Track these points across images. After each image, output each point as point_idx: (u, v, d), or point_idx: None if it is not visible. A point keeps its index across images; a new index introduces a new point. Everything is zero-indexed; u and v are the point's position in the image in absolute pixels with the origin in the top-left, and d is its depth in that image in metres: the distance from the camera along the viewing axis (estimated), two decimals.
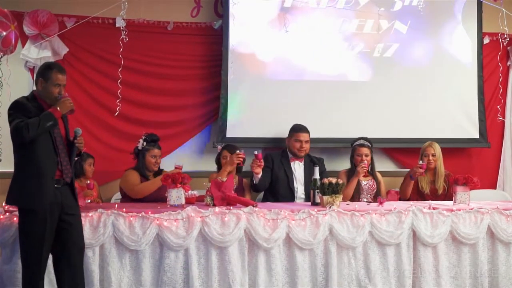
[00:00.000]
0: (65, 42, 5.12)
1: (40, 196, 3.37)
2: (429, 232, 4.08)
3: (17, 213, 3.65)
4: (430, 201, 4.52)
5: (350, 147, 5.15)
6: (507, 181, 5.97)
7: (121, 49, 4.75)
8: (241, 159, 4.67)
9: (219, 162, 4.89)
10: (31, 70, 5.06)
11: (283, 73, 5.50)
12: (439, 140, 5.16)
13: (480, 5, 5.74)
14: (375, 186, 5.01)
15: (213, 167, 5.01)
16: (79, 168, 4.61)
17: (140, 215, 3.79)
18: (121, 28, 4.70)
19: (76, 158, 3.67)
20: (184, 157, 5.29)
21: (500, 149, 6.05)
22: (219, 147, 5.03)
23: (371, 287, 4.01)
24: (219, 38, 5.41)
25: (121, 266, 3.78)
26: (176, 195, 4.01)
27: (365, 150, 4.99)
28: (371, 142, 5.09)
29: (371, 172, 5.06)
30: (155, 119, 5.36)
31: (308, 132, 5.04)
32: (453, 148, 5.72)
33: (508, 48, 5.91)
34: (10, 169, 3.78)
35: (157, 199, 4.33)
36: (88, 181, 4.63)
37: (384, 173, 5.37)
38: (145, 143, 4.56)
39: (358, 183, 4.94)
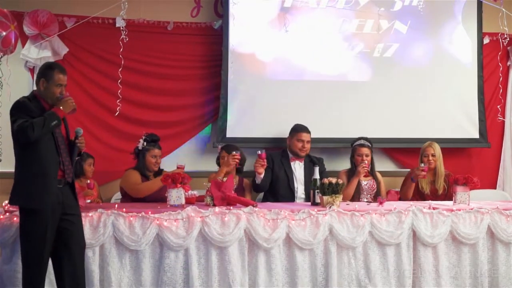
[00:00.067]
0: (65, 42, 5.12)
1: (44, 196, 3.38)
2: (429, 232, 4.08)
3: (17, 213, 3.66)
4: (430, 201, 4.52)
5: (350, 147, 5.15)
6: (507, 181, 5.97)
7: (121, 49, 4.75)
8: (237, 161, 4.65)
9: (219, 162, 4.88)
10: (31, 70, 5.06)
11: (283, 73, 5.50)
12: (439, 140, 5.15)
13: (480, 5, 5.74)
14: (375, 186, 5.02)
15: (213, 167, 5.01)
16: (79, 168, 4.62)
17: (140, 215, 3.79)
18: (121, 28, 4.70)
19: (76, 158, 3.68)
20: (184, 157, 5.29)
21: (500, 149, 6.05)
22: (219, 147, 5.03)
23: (371, 287, 4.01)
24: (219, 38, 5.41)
25: (121, 266, 3.78)
26: (176, 195, 4.01)
27: (366, 150, 5.00)
28: (371, 142, 5.09)
29: (371, 172, 5.06)
30: (155, 119, 5.36)
31: (309, 132, 5.05)
32: (453, 148, 5.72)
33: (508, 48, 5.91)
34: (10, 169, 3.78)
35: (157, 199, 4.33)
36: (89, 181, 4.63)
37: (384, 173, 5.37)
38: (145, 143, 4.56)
39: (358, 183, 4.94)
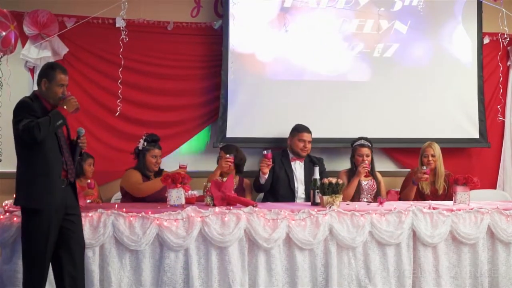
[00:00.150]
0: (65, 42, 5.12)
1: (50, 195, 3.39)
2: (429, 232, 4.08)
3: (17, 213, 3.66)
4: (430, 201, 4.52)
5: (350, 147, 5.15)
6: (507, 181, 5.97)
7: (121, 49, 4.75)
8: (230, 164, 4.64)
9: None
10: (31, 70, 5.06)
11: (283, 73, 5.50)
12: (439, 140, 5.15)
13: (480, 5, 5.74)
14: (375, 186, 5.01)
15: (213, 167, 5.00)
16: (78, 168, 4.61)
17: (140, 215, 3.79)
18: (121, 28, 4.70)
19: (78, 158, 3.69)
20: (184, 157, 5.29)
21: (500, 149, 6.05)
22: (220, 147, 5.03)
23: (371, 287, 4.01)
24: (219, 38, 5.41)
25: (121, 266, 3.78)
26: (176, 195, 4.01)
27: (366, 150, 4.99)
28: (371, 142, 5.09)
29: (371, 172, 5.06)
30: (155, 119, 5.36)
31: (310, 132, 5.06)
32: (453, 148, 5.72)
33: (508, 48, 5.91)
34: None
35: (158, 199, 4.33)
36: (89, 181, 4.63)
37: (384, 173, 5.37)
38: (145, 143, 4.56)
39: (359, 183, 4.94)
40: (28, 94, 4.76)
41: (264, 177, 4.79)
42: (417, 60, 5.71)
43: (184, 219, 3.82)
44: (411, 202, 4.47)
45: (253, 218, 3.87)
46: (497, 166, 6.05)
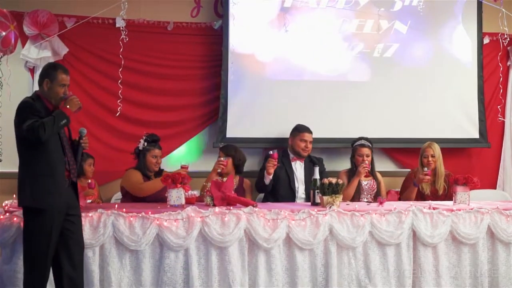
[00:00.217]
0: (65, 42, 5.12)
1: (55, 195, 3.40)
2: (429, 232, 4.08)
3: (17, 213, 3.66)
4: (430, 201, 4.52)
5: (350, 147, 5.15)
6: (507, 181, 5.97)
7: (121, 49, 4.75)
8: (222, 167, 4.63)
9: None
10: (31, 70, 5.06)
11: (283, 73, 5.50)
12: (439, 140, 5.15)
13: (480, 5, 5.74)
14: (375, 186, 5.02)
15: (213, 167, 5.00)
16: (79, 168, 4.61)
17: (140, 215, 3.79)
18: (121, 28, 4.70)
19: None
20: (184, 158, 5.29)
21: (500, 149, 6.05)
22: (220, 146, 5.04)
23: (371, 287, 4.01)
24: (219, 38, 5.41)
25: (121, 266, 3.78)
26: (176, 195, 4.01)
27: (366, 150, 5.00)
28: (372, 142, 5.09)
29: (372, 172, 5.06)
30: (155, 119, 5.36)
31: (311, 132, 5.06)
32: (453, 148, 5.72)
33: (508, 48, 5.91)
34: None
35: (158, 199, 4.33)
36: (89, 181, 4.63)
37: (384, 173, 5.37)
38: (146, 143, 4.57)
39: (359, 183, 4.94)
40: (28, 94, 4.77)
41: (269, 178, 4.79)
42: (417, 60, 5.71)
43: (184, 219, 3.82)
44: (411, 202, 4.47)
45: (253, 218, 3.87)
46: (497, 166, 6.05)
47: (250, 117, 5.44)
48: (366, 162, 4.93)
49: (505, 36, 5.24)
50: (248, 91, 5.43)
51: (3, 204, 3.88)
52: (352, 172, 5.01)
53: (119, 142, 5.25)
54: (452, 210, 4.17)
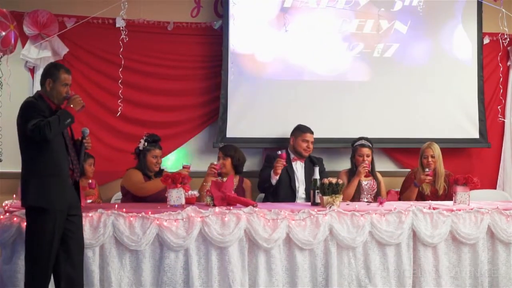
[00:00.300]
0: (65, 42, 5.12)
1: (60, 195, 3.41)
2: (429, 232, 4.08)
3: (17, 213, 3.66)
4: (430, 201, 4.52)
5: (350, 147, 5.15)
6: (507, 181, 5.96)
7: (121, 49, 4.75)
8: (214, 171, 4.62)
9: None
10: (31, 70, 5.06)
11: (283, 73, 5.50)
12: (439, 140, 5.16)
13: (480, 5, 5.74)
14: (376, 186, 5.01)
15: None
16: (80, 168, 4.62)
17: (140, 215, 3.79)
18: (121, 28, 4.70)
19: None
20: (184, 158, 5.29)
21: (500, 149, 6.05)
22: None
23: (371, 287, 4.01)
24: (219, 38, 5.41)
25: (121, 266, 3.78)
26: (176, 195, 4.01)
27: (366, 151, 5.00)
28: (372, 142, 5.09)
29: (372, 172, 5.06)
30: (155, 119, 5.36)
31: (313, 132, 5.07)
32: (453, 148, 5.72)
33: (508, 48, 5.91)
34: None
35: (159, 199, 4.32)
36: (90, 181, 4.63)
37: (384, 173, 5.37)
38: (146, 143, 4.56)
39: (359, 183, 4.94)
40: (28, 94, 4.78)
41: (276, 178, 4.79)
42: (417, 60, 5.71)
43: (184, 219, 3.82)
44: (411, 202, 4.47)
45: (253, 218, 3.87)
46: (497, 166, 6.05)
47: (250, 117, 5.44)
48: (366, 162, 4.93)
49: (505, 36, 5.24)
50: (248, 91, 5.43)
51: (3, 204, 3.88)
52: (352, 172, 5.01)
53: (119, 142, 5.24)
54: (452, 210, 4.17)
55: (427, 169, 4.85)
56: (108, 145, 5.26)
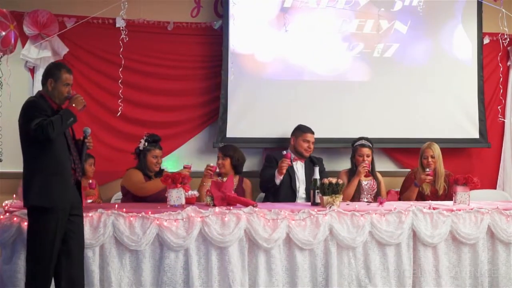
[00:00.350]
0: (65, 42, 5.12)
1: (62, 194, 3.42)
2: (429, 232, 4.08)
3: (17, 213, 3.66)
4: (430, 201, 4.52)
5: (351, 147, 5.15)
6: (507, 181, 5.96)
7: (121, 49, 4.75)
8: (210, 172, 4.62)
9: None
10: (31, 70, 5.06)
11: (283, 73, 5.50)
12: (439, 140, 5.16)
13: (480, 5, 5.74)
14: (376, 186, 5.01)
15: None
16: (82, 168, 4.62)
17: (140, 215, 3.79)
18: (121, 28, 4.70)
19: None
20: (184, 158, 5.29)
21: (500, 149, 6.05)
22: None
23: (371, 287, 4.01)
24: (219, 38, 5.41)
25: (121, 266, 3.78)
26: (176, 195, 4.01)
27: (367, 151, 4.99)
28: (372, 142, 5.09)
29: (372, 172, 5.06)
30: (155, 119, 5.36)
31: (314, 133, 5.07)
32: (453, 148, 5.72)
33: (508, 48, 5.91)
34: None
35: (159, 199, 4.32)
36: (90, 181, 4.63)
37: (384, 173, 5.37)
38: (146, 144, 4.56)
39: (359, 183, 4.94)
40: (28, 94, 4.78)
41: (280, 178, 4.79)
42: (417, 60, 5.71)
43: (184, 219, 3.82)
44: (411, 202, 4.47)
45: (253, 218, 3.87)
46: (497, 166, 6.05)
47: (250, 117, 5.44)
48: (366, 162, 4.93)
49: (505, 36, 5.23)
50: (248, 91, 5.43)
51: (3, 204, 3.88)
52: (352, 172, 5.01)
53: (120, 142, 5.25)
54: (452, 210, 4.17)
55: (427, 169, 4.85)
56: (108, 145, 5.26)
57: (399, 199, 5.03)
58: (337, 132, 5.54)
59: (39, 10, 4.92)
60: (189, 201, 4.18)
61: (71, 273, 3.49)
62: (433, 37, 5.74)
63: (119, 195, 4.93)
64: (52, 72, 3.55)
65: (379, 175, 5.13)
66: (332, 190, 4.08)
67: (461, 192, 4.40)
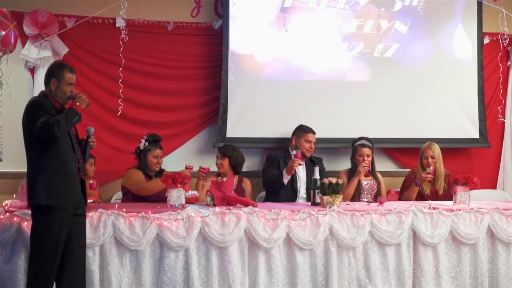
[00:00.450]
0: (65, 42, 5.12)
1: (68, 193, 3.43)
2: (429, 232, 4.08)
3: (17, 213, 3.66)
4: (430, 201, 4.52)
5: (351, 147, 5.15)
6: (507, 181, 5.97)
7: (121, 49, 4.75)
8: (203, 174, 4.63)
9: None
10: (31, 70, 5.06)
11: (283, 73, 5.50)
12: (439, 140, 5.16)
13: (480, 5, 5.74)
14: (376, 186, 5.01)
15: (213, 167, 5.00)
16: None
17: (140, 215, 3.79)
18: (121, 28, 4.70)
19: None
20: (184, 158, 5.29)
21: (500, 149, 6.05)
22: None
23: (371, 287, 4.01)
24: (219, 38, 5.41)
25: (121, 266, 3.78)
26: (176, 195, 4.00)
27: (367, 150, 4.99)
28: (372, 142, 5.09)
29: (372, 172, 5.06)
30: (155, 119, 5.36)
31: (315, 133, 5.08)
32: (453, 148, 5.72)
33: (508, 48, 5.91)
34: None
35: (159, 199, 4.32)
36: (91, 181, 4.63)
37: (384, 173, 5.37)
38: (146, 143, 4.56)
39: (359, 183, 4.94)
40: (28, 94, 4.78)
41: (288, 178, 4.79)
42: (417, 60, 5.71)
43: (184, 219, 3.82)
44: (411, 202, 4.47)
45: (253, 218, 3.87)
46: (497, 166, 6.05)
47: (250, 117, 5.44)
48: (366, 161, 4.93)
49: (505, 36, 5.23)
50: (248, 91, 5.43)
51: (3, 204, 3.88)
52: (352, 172, 5.01)
53: (120, 142, 5.25)
54: (452, 210, 4.17)
55: (428, 168, 4.85)
56: (108, 145, 5.26)
57: (399, 199, 5.03)
58: (337, 132, 5.54)
59: (39, 10, 4.92)
60: (189, 201, 4.18)
61: (72, 273, 3.49)
62: (433, 37, 5.74)
63: (119, 195, 4.93)
64: (55, 71, 3.55)
65: (379, 175, 5.13)
66: (332, 190, 4.08)
67: (461, 192, 4.40)
